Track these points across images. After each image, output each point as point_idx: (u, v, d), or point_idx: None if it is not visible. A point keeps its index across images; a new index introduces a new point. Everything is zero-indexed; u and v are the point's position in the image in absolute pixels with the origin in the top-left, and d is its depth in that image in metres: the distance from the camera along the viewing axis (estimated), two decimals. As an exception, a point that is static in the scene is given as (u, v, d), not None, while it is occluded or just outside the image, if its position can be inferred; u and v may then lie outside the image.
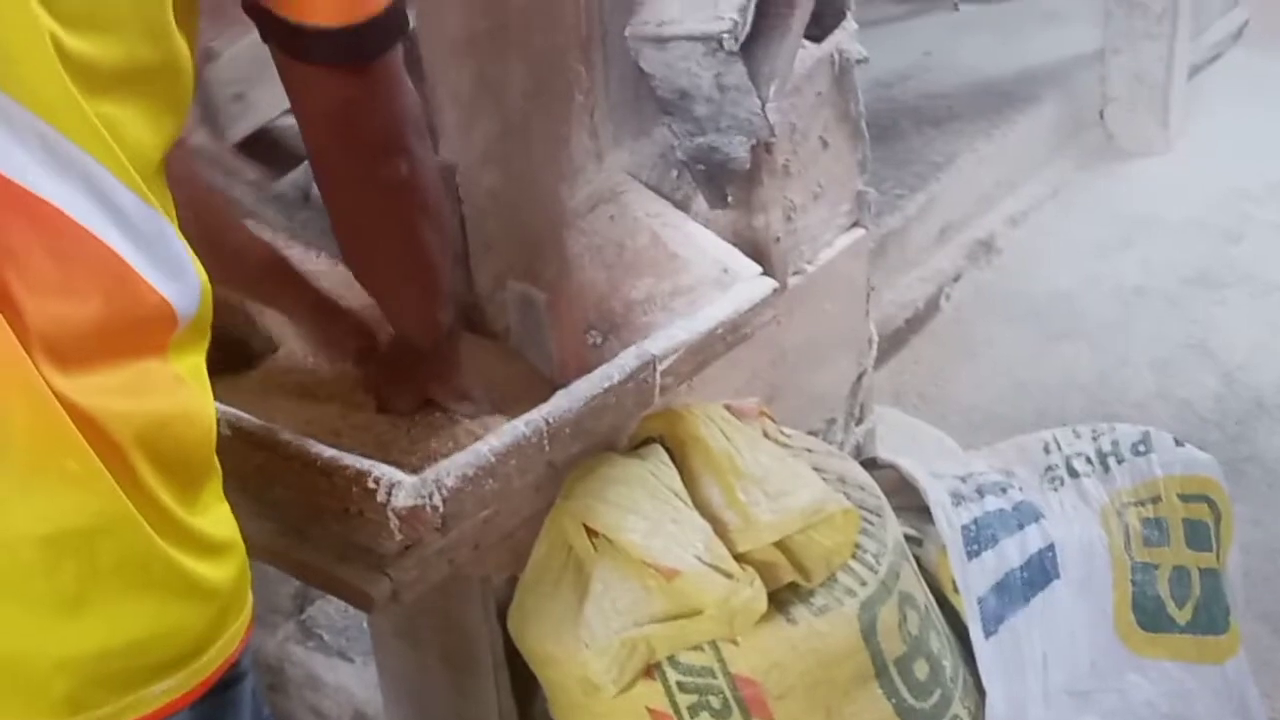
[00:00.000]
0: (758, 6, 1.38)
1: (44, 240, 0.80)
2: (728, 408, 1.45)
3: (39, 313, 0.79)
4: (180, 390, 0.89)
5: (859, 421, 1.88)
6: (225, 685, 0.94)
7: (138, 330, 0.85)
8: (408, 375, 1.36)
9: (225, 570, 0.92)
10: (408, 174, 1.12)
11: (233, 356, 1.46)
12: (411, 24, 1.12)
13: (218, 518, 0.93)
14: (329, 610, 1.88)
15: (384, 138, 1.10)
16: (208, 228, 1.33)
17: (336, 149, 1.10)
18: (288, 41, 1.01)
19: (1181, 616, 1.52)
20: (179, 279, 0.88)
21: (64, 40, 0.79)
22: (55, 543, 0.81)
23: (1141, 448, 1.57)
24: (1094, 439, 1.59)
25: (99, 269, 0.82)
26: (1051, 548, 1.48)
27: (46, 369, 0.79)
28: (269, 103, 1.62)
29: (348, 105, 1.05)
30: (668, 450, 1.40)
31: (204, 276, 0.92)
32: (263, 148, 1.65)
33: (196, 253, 1.21)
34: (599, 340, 1.47)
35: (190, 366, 0.91)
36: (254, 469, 1.24)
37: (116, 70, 0.83)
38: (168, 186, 0.92)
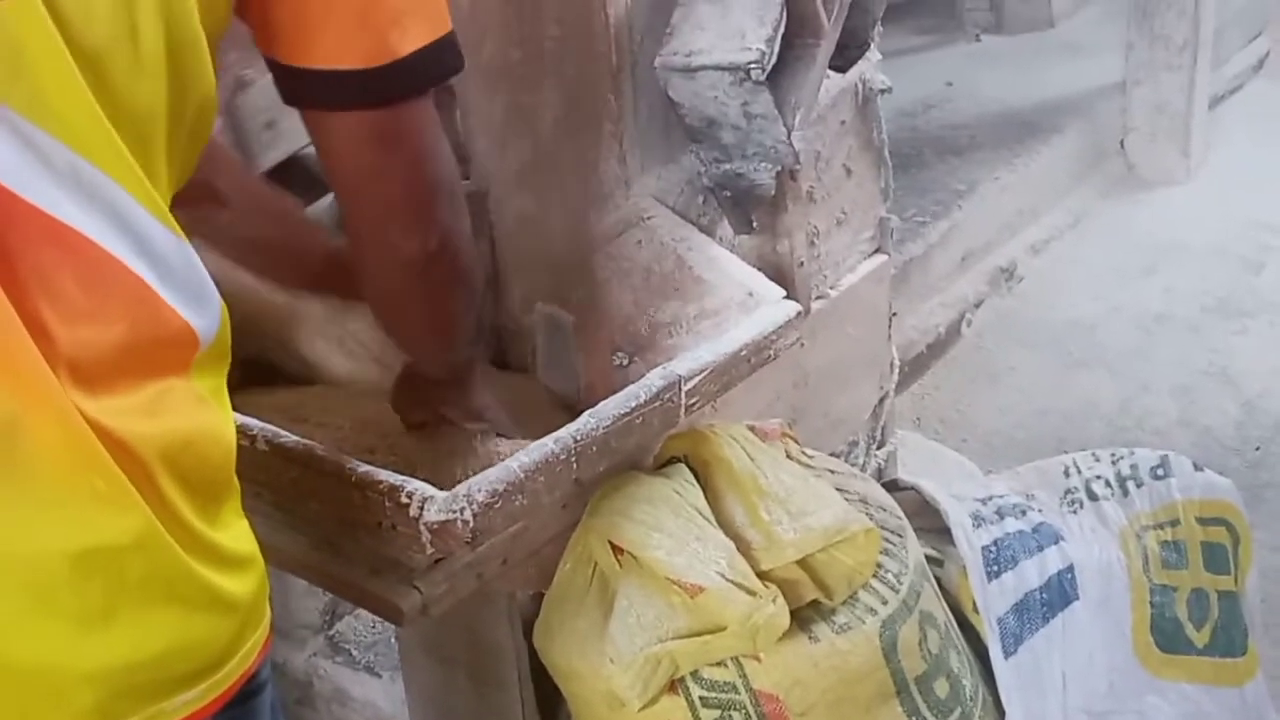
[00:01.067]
0: (784, 38, 1.41)
1: (73, 268, 0.82)
2: (751, 428, 1.47)
3: (68, 338, 0.81)
4: (202, 410, 0.91)
5: (880, 444, 1.90)
6: (245, 696, 0.95)
7: (161, 352, 0.87)
8: (422, 394, 1.37)
9: (246, 584, 0.93)
10: (435, 248, 1.08)
11: (264, 381, 1.49)
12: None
13: (238, 533, 0.95)
14: (357, 626, 1.91)
15: (410, 206, 1.05)
16: (285, 230, 1.37)
17: (362, 213, 1.07)
18: (307, 90, 0.99)
19: (1200, 639, 1.53)
20: (201, 303, 0.90)
21: (102, 79, 0.81)
22: (85, 559, 0.83)
23: (1160, 472, 1.59)
24: (1113, 463, 1.61)
25: (125, 295, 0.84)
26: (1071, 569, 1.50)
27: (74, 392, 0.81)
28: (300, 130, 1.64)
29: (373, 166, 1.02)
30: (692, 470, 1.42)
31: (222, 301, 0.94)
32: (295, 175, 1.68)
33: (269, 256, 1.21)
34: (626, 362, 1.49)
35: (211, 387, 0.93)
36: (289, 483, 1.27)
37: (147, 107, 0.85)
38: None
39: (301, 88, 1.00)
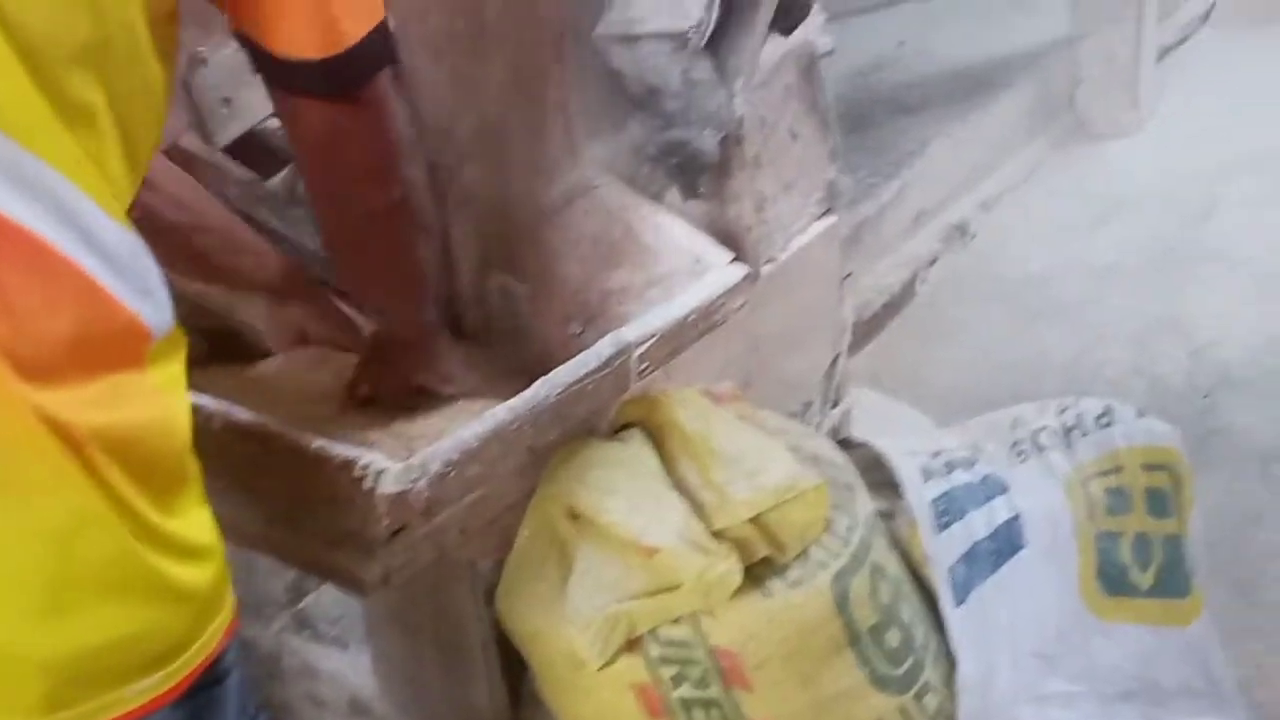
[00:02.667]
0: (723, 3, 1.43)
1: (16, 262, 0.82)
2: (704, 392, 1.49)
3: (11, 331, 0.81)
4: (156, 400, 0.91)
5: (835, 404, 1.93)
6: (208, 684, 0.97)
7: (111, 346, 0.88)
8: (395, 366, 1.39)
9: (204, 572, 0.94)
10: (399, 199, 1.16)
11: (226, 351, 1.50)
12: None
13: (196, 521, 0.95)
14: (323, 600, 1.92)
15: (375, 165, 1.13)
16: (226, 246, 1.40)
17: (328, 176, 1.14)
18: (272, 72, 1.04)
19: (1144, 581, 1.57)
20: (150, 294, 0.91)
21: (41, 70, 0.81)
22: (32, 545, 0.83)
23: (1104, 420, 1.62)
24: (1059, 413, 1.64)
25: (71, 289, 0.84)
26: (1018, 518, 1.53)
27: (19, 383, 0.81)
28: (256, 106, 1.66)
29: (336, 135, 1.08)
30: (646, 435, 1.44)
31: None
32: (252, 150, 1.69)
33: (211, 266, 1.22)
34: (579, 330, 1.51)
35: (168, 376, 0.93)
36: (246, 460, 1.29)
37: (95, 101, 0.86)
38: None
39: (266, 67, 1.05)
